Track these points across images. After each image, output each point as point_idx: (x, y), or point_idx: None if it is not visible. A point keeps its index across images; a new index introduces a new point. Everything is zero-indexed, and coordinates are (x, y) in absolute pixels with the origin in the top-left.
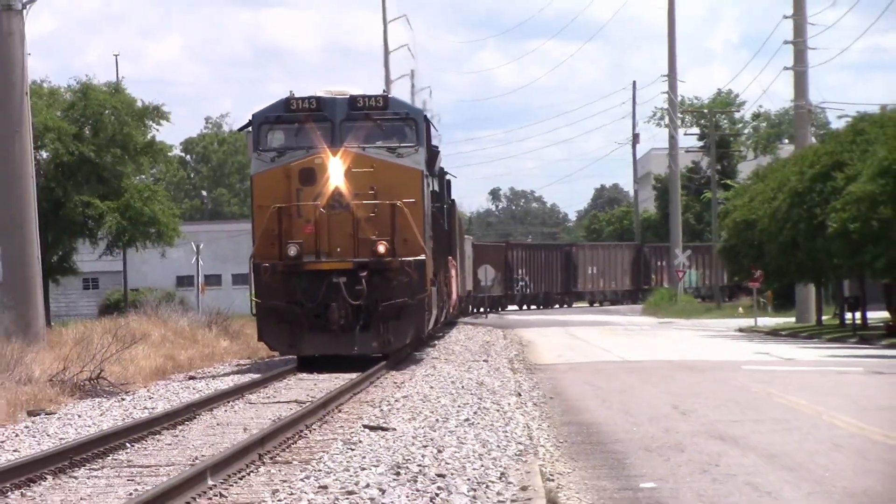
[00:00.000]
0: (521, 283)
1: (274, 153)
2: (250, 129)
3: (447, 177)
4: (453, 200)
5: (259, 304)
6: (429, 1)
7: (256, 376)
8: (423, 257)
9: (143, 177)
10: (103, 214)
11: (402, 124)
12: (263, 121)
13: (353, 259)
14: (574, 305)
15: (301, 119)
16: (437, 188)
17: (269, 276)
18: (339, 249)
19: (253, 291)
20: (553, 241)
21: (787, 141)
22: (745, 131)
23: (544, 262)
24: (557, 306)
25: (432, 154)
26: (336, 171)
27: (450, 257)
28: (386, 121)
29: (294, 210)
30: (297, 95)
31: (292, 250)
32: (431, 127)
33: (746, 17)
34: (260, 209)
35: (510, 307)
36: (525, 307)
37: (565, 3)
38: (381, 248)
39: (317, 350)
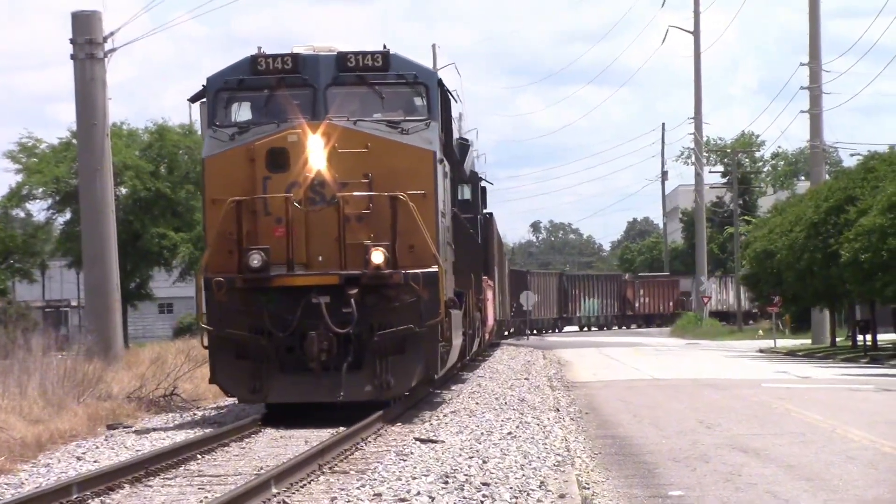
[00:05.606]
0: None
1: (234, 129)
2: (205, 99)
3: (482, 183)
4: (491, 213)
5: (211, 334)
6: (475, 50)
7: None
8: (434, 269)
9: None
10: (177, 245)
11: (408, 91)
12: (221, 87)
13: (340, 272)
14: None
15: (272, 84)
16: (468, 196)
17: (225, 295)
18: (319, 258)
19: (203, 315)
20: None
21: (803, 178)
22: (765, 169)
23: (516, 286)
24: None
25: (451, 134)
26: (316, 152)
27: (485, 276)
28: (387, 86)
29: (259, 205)
30: (267, 53)
31: (255, 260)
32: (450, 97)
33: (765, 66)
34: (213, 204)
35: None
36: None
37: (599, 53)
38: (378, 257)
39: (289, 396)
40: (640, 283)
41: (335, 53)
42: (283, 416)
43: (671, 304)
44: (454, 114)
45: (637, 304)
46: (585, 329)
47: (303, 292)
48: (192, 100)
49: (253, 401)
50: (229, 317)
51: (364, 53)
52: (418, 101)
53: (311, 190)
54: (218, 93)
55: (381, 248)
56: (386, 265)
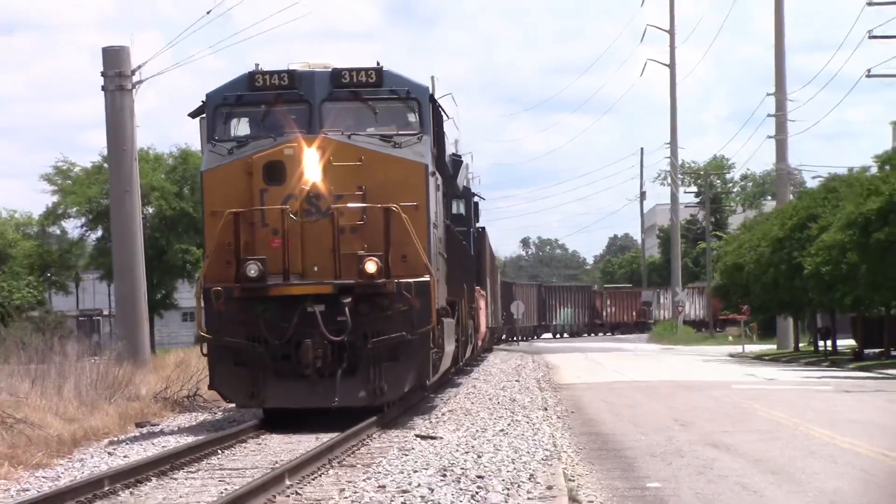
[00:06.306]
0: None
1: (232, 143)
2: (205, 114)
3: (475, 198)
4: (483, 227)
5: (210, 341)
6: (471, 82)
7: None
8: (426, 278)
9: None
10: (199, 259)
11: (401, 106)
12: (220, 102)
13: (334, 281)
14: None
15: (269, 99)
16: (462, 210)
17: (223, 304)
18: (315, 268)
19: (203, 324)
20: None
21: (770, 198)
22: (735, 190)
23: (505, 297)
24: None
25: (443, 148)
26: (312, 165)
27: (478, 286)
28: (380, 101)
29: (256, 217)
30: (264, 69)
31: (253, 270)
32: (442, 112)
33: (734, 96)
34: (212, 216)
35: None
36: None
37: (584, 84)
38: (372, 267)
39: (285, 402)
40: (607, 294)
41: (330, 70)
42: (286, 419)
43: (634, 313)
44: (451, 137)
45: (605, 314)
46: (559, 336)
47: (298, 301)
48: (193, 115)
49: (250, 406)
50: (227, 325)
51: (358, 70)
52: (411, 116)
53: (307, 202)
54: (217, 108)
55: (374, 259)
56: (379, 275)
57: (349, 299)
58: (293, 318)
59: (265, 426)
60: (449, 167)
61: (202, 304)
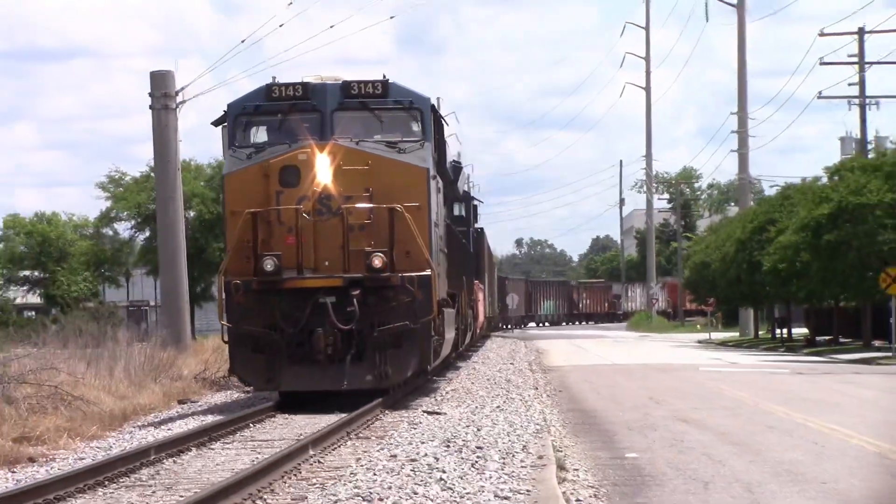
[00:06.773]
0: None
1: (251, 149)
2: (226, 123)
3: (473, 202)
4: (482, 228)
5: (230, 330)
6: (471, 102)
7: None
8: (428, 273)
9: None
10: None
11: (405, 115)
12: (240, 112)
13: (344, 275)
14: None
15: (285, 109)
16: (462, 212)
17: (242, 296)
18: (326, 263)
19: (224, 314)
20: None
21: (733, 204)
22: (702, 197)
23: (500, 290)
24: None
25: (444, 154)
26: (323, 169)
27: (476, 280)
28: (386, 110)
29: (273, 216)
30: (280, 81)
31: (269, 264)
32: (443, 121)
33: (702, 114)
34: (233, 216)
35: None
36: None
37: (570, 104)
38: (378, 262)
39: (299, 385)
40: (582, 288)
41: (340, 82)
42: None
43: (606, 304)
44: (454, 150)
45: (581, 305)
46: (541, 325)
47: (311, 293)
48: (215, 124)
49: (267, 389)
50: (246, 315)
51: (366, 82)
52: (414, 125)
53: (319, 202)
54: (237, 117)
55: (380, 254)
56: (385, 269)
57: (357, 291)
58: (306, 308)
59: (283, 407)
60: (450, 172)
61: (223, 296)
